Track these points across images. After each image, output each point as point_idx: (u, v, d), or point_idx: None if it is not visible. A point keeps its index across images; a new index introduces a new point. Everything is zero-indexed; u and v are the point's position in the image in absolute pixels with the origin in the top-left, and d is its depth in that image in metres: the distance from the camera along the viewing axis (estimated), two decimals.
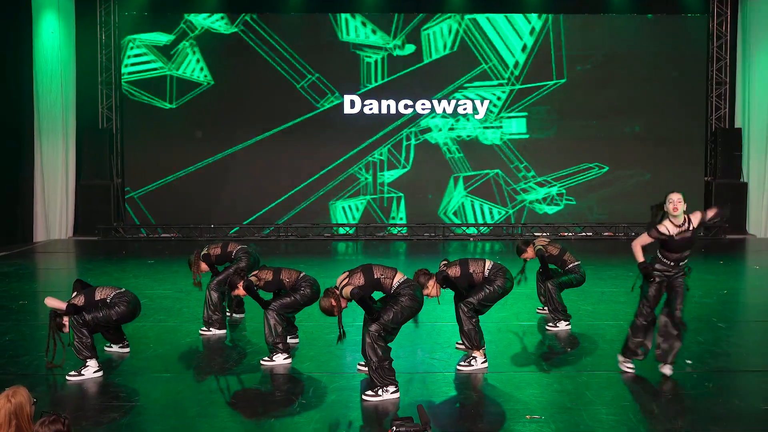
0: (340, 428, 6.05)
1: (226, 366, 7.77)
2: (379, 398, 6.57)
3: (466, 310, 7.44)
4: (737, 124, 17.53)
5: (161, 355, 8.06)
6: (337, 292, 6.75)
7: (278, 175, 17.40)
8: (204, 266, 9.00)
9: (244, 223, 17.42)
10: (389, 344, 6.73)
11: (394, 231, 17.54)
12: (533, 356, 8.01)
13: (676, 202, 6.82)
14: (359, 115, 17.39)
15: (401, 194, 17.53)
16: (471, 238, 17.17)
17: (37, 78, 16.64)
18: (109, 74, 17.47)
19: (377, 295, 6.90)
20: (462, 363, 7.51)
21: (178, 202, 17.37)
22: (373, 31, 17.28)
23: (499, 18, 17.30)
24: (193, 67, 17.31)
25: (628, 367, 7.30)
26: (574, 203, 17.53)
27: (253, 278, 7.78)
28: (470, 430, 6.01)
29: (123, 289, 7.67)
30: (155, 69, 17.33)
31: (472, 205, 17.56)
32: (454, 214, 17.57)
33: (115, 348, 8.11)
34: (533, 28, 17.32)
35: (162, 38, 17.29)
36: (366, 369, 6.90)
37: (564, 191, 17.54)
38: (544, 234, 16.86)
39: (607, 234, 17.32)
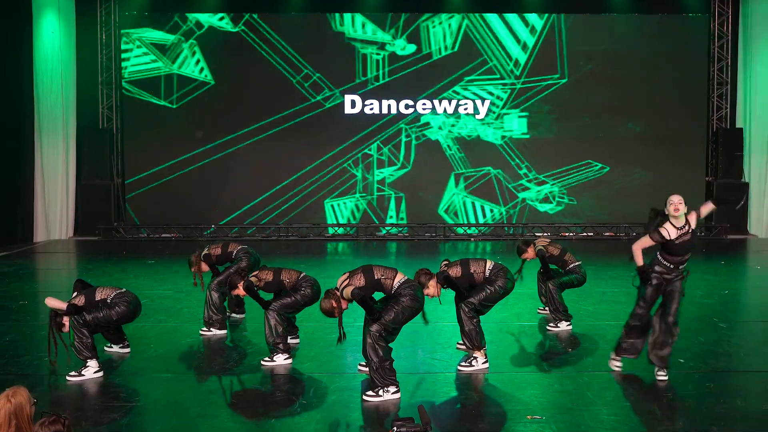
0: (341, 429, 6.04)
1: (226, 366, 7.76)
2: (380, 398, 6.56)
3: (467, 310, 7.43)
4: (738, 124, 17.52)
5: (162, 356, 8.05)
6: (338, 293, 6.74)
7: (278, 175, 17.37)
8: (205, 266, 8.99)
9: (245, 222, 17.41)
10: (390, 344, 6.73)
11: (394, 231, 17.51)
12: (534, 357, 8.00)
13: (677, 203, 6.82)
14: (360, 114, 17.38)
15: (401, 194, 17.52)
16: (472, 238, 17.16)
17: (37, 78, 16.63)
18: (109, 74, 17.47)
19: (378, 295, 6.89)
20: (463, 363, 7.50)
21: (178, 202, 17.36)
22: (374, 32, 17.26)
23: (498, 20, 17.27)
24: (193, 67, 17.30)
25: (616, 365, 7.34)
26: (575, 203, 17.52)
27: (253, 278, 7.77)
28: (471, 430, 5.99)
29: (123, 290, 7.66)
30: (155, 68, 17.31)
31: (473, 205, 17.54)
32: (455, 214, 17.56)
33: (115, 348, 8.10)
34: (533, 28, 17.30)
35: (161, 37, 17.28)
36: (367, 369, 6.90)
37: (564, 190, 17.53)
38: (545, 234, 16.85)
39: (608, 234, 17.31)
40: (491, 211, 17.56)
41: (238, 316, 9.63)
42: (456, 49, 17.29)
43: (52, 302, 7.35)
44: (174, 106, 17.36)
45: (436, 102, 17.37)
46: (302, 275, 7.83)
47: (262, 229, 17.36)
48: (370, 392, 6.61)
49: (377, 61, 17.33)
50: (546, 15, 17.26)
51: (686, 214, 6.88)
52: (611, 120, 17.47)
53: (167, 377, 7.34)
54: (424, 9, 17.30)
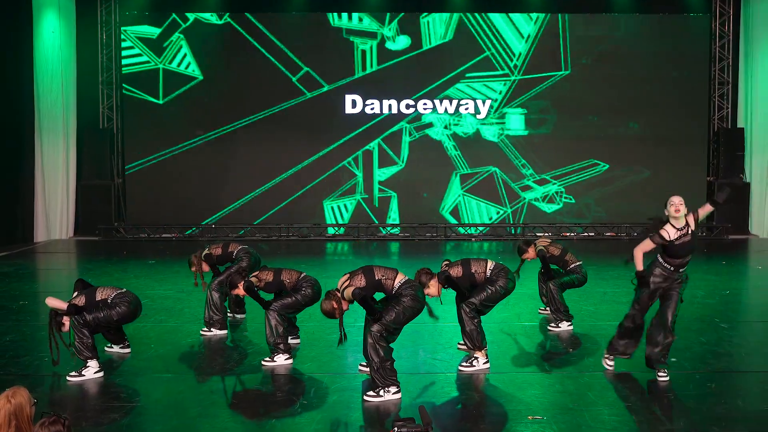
0: (341, 429, 6.03)
1: (227, 366, 7.75)
2: (381, 399, 6.55)
3: (468, 310, 7.43)
4: (740, 124, 17.50)
5: (162, 356, 8.04)
6: (339, 294, 6.74)
7: (279, 175, 17.35)
8: (206, 266, 8.98)
9: (255, 223, 17.38)
10: (391, 345, 6.72)
11: (396, 231, 17.49)
12: (535, 357, 7.99)
13: (677, 204, 6.82)
14: (360, 114, 17.35)
15: (398, 194, 17.49)
16: (473, 239, 17.14)
17: (37, 78, 16.62)
18: (109, 74, 17.45)
19: (378, 296, 6.88)
20: (464, 363, 7.49)
21: (179, 202, 17.35)
22: (374, 34, 17.24)
23: (499, 17, 17.26)
24: (194, 66, 17.28)
25: (609, 364, 7.35)
26: (573, 202, 17.51)
27: (253, 279, 7.76)
28: (472, 430, 5.99)
29: (124, 290, 7.66)
30: (154, 68, 17.31)
31: (473, 205, 17.52)
32: (456, 215, 17.53)
33: (115, 348, 8.10)
34: (534, 28, 17.28)
35: (156, 33, 17.26)
36: (367, 369, 6.89)
37: (563, 189, 17.51)
38: (546, 234, 16.83)
39: (609, 234, 17.29)
40: (497, 213, 17.52)
41: (239, 316, 9.62)
42: (451, 37, 17.18)
43: (52, 302, 7.35)
44: (170, 104, 17.30)
45: (440, 101, 17.32)
46: (303, 275, 7.82)
47: (263, 229, 17.34)
48: (370, 392, 6.61)
49: (371, 55, 17.27)
50: (547, 15, 17.22)
51: (686, 215, 6.87)
52: (612, 120, 17.45)
53: (168, 377, 7.33)
54: (424, 9, 17.28)
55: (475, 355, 7.46)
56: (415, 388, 6.89)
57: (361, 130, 17.36)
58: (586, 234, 17.30)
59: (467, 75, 17.27)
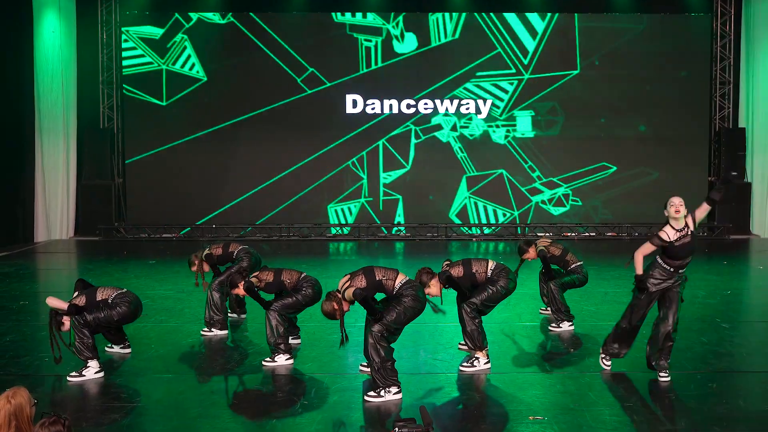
0: (342, 429, 6.02)
1: (227, 367, 7.75)
2: (382, 399, 6.54)
3: (469, 310, 7.42)
4: (741, 124, 17.49)
5: (162, 356, 8.03)
6: (339, 295, 6.73)
7: (279, 176, 17.35)
8: (206, 266, 8.98)
9: (257, 223, 17.37)
10: (392, 345, 6.71)
11: (402, 231, 17.42)
12: (536, 357, 7.99)
13: (677, 205, 6.82)
14: (361, 114, 17.34)
15: (402, 196, 17.47)
16: (474, 239, 17.12)
17: (37, 77, 16.62)
18: (110, 74, 17.45)
19: (379, 296, 6.88)
20: (465, 364, 7.48)
21: (179, 202, 17.34)
22: (378, 31, 17.23)
23: (501, 17, 17.25)
24: (198, 66, 17.28)
25: (606, 364, 7.35)
26: (580, 204, 17.47)
27: (254, 279, 7.75)
28: (473, 431, 5.98)
29: (124, 290, 7.65)
30: (155, 68, 17.30)
31: (483, 207, 17.46)
32: (464, 218, 17.46)
33: (116, 348, 8.09)
34: (535, 29, 17.26)
35: (158, 33, 17.26)
36: (368, 370, 6.88)
37: (570, 192, 17.47)
38: (547, 234, 16.81)
39: (610, 234, 17.28)
40: (504, 215, 17.47)
41: (241, 316, 9.61)
42: (457, 36, 17.17)
43: (53, 302, 7.34)
44: (170, 104, 17.30)
45: (447, 102, 17.26)
46: (303, 275, 7.82)
47: (264, 229, 17.33)
48: (371, 393, 6.60)
49: (375, 52, 17.26)
50: (548, 15, 17.20)
51: (685, 217, 6.87)
52: (612, 120, 17.43)
53: (168, 378, 7.33)
54: (428, 9, 17.24)
55: (476, 356, 7.46)
56: (416, 389, 6.88)
57: (361, 129, 17.35)
58: (587, 234, 17.28)
59: (477, 74, 17.24)
